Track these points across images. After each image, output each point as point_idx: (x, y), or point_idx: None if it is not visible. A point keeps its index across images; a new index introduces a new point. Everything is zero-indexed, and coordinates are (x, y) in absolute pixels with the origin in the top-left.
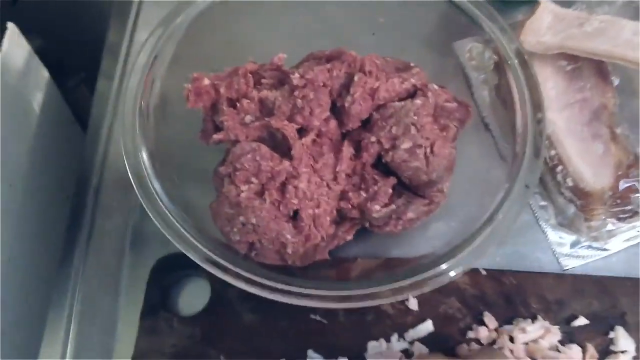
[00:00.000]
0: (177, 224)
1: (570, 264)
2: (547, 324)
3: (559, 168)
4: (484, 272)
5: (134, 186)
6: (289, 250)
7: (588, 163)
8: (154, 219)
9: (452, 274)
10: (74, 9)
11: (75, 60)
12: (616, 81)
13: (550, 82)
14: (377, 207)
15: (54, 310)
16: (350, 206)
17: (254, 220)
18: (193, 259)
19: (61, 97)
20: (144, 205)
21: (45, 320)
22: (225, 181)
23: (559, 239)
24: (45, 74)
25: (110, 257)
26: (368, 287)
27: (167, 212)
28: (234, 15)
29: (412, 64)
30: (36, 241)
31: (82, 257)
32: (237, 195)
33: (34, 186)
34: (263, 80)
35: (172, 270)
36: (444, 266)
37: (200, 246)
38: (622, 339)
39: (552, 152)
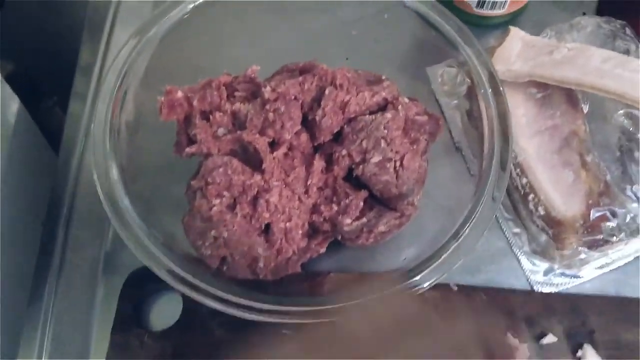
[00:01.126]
0: (145, 240)
1: (544, 292)
2: (516, 342)
3: (531, 196)
4: (455, 288)
5: (102, 202)
6: (261, 264)
7: (559, 191)
8: (122, 236)
9: (423, 285)
10: (46, 30)
11: (50, 81)
12: (586, 108)
13: (521, 110)
14: (349, 221)
15: (27, 327)
16: (322, 219)
17: (225, 234)
18: (161, 276)
19: (34, 124)
20: (113, 223)
21: (19, 340)
22: (197, 195)
23: (533, 267)
24: (16, 102)
25: (81, 288)
26: (337, 302)
27: (136, 229)
28: (209, 27)
29: (383, 77)
30: (8, 269)
31: (52, 289)
32: (208, 209)
33: (6, 213)
34: (236, 93)
35: (144, 284)
36: (412, 280)
37: (168, 263)
38: (590, 357)
39: (524, 180)
